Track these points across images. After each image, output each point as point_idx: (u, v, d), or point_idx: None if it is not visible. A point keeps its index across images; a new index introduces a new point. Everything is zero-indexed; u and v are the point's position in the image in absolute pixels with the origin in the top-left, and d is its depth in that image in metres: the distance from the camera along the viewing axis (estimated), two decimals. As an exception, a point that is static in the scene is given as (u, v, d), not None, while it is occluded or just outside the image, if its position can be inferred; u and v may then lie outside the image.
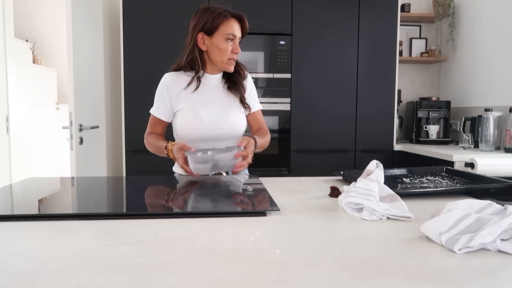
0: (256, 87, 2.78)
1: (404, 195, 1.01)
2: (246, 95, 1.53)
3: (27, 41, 3.83)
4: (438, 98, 3.25)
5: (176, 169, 1.53)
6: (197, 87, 1.42)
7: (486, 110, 2.53)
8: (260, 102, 2.60)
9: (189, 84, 1.41)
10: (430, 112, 3.05)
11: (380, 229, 0.81)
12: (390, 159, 2.91)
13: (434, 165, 1.94)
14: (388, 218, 0.88)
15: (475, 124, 2.70)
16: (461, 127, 2.79)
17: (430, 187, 1.23)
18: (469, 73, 3.06)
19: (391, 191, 0.98)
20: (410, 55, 3.35)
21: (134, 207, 1.05)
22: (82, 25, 2.49)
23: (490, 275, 0.58)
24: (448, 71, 3.33)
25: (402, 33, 3.28)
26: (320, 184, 1.31)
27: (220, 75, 1.49)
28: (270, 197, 1.05)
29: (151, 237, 0.74)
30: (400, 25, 2.97)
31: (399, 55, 2.98)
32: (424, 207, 0.99)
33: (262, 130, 1.56)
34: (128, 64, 2.71)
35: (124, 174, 2.75)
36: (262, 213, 0.91)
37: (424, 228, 0.73)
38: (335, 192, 1.11)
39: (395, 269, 0.59)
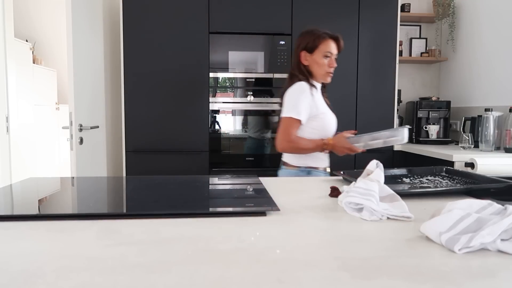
0: (256, 87, 2.81)
1: (404, 195, 1.01)
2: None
3: (27, 41, 3.82)
4: (438, 98, 3.25)
5: (317, 163, 1.72)
6: (317, 94, 1.70)
7: (486, 110, 2.53)
8: (260, 102, 2.67)
9: (314, 93, 1.68)
10: (430, 112, 3.05)
11: (380, 229, 0.81)
12: (390, 159, 2.91)
13: (434, 165, 1.94)
14: (388, 218, 0.88)
15: (475, 124, 2.70)
16: (461, 127, 2.79)
17: (430, 187, 1.23)
18: (469, 73, 3.06)
19: (391, 191, 0.98)
20: (410, 55, 3.35)
21: (134, 207, 1.05)
22: (82, 25, 2.49)
23: (490, 275, 0.58)
24: (448, 71, 3.33)
25: (402, 33, 3.28)
26: (320, 184, 1.31)
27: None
28: (270, 197, 1.06)
29: (151, 237, 0.74)
30: (400, 25, 2.97)
31: (399, 55, 2.98)
32: (424, 207, 0.99)
33: None
34: (128, 64, 2.71)
35: (124, 174, 2.75)
36: (262, 213, 0.91)
37: (424, 228, 0.73)
38: (335, 192, 1.11)
39: (395, 269, 0.59)
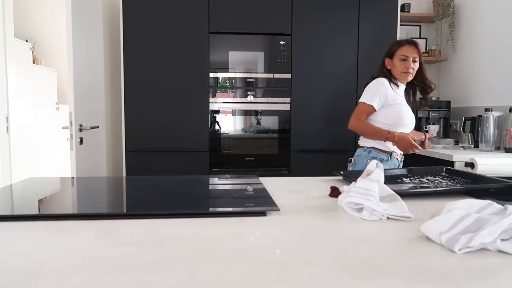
0: (256, 87, 2.81)
1: (404, 195, 1.01)
2: None
3: (27, 41, 3.82)
4: (438, 98, 3.25)
5: (381, 146, 1.93)
6: (398, 90, 1.94)
7: (486, 110, 2.53)
8: (260, 102, 2.70)
9: (394, 88, 1.93)
10: (430, 112, 3.05)
11: (380, 229, 0.81)
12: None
13: (434, 165, 1.94)
14: (388, 218, 0.88)
15: (475, 124, 2.70)
16: (461, 127, 2.79)
17: (430, 187, 1.23)
18: (469, 73, 3.06)
19: (391, 191, 0.98)
20: (410, 55, 3.34)
21: (134, 207, 1.05)
22: (82, 25, 2.49)
23: (490, 275, 0.58)
24: (448, 71, 3.33)
25: (402, 33, 3.27)
26: (320, 184, 1.31)
27: (404, 85, 2.00)
28: (270, 197, 1.06)
29: (151, 237, 0.74)
30: (400, 25, 2.97)
31: (399, 55, 2.98)
32: (424, 207, 0.99)
33: None
34: (128, 64, 2.71)
35: (124, 174, 2.75)
36: (262, 213, 0.91)
37: (424, 228, 0.73)
38: (335, 192, 1.11)
39: (395, 269, 0.59)
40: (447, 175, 1.43)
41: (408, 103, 1.98)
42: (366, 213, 0.88)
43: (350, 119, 1.95)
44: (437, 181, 1.32)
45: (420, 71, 1.95)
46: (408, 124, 1.94)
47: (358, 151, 1.99)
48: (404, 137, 1.80)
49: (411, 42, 1.93)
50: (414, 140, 1.80)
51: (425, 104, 2.05)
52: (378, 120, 1.91)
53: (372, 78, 1.98)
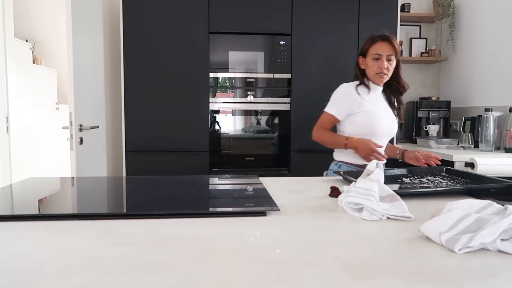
0: (256, 87, 2.81)
1: (404, 195, 1.01)
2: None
3: (27, 41, 3.82)
4: (438, 98, 3.25)
5: (351, 159, 1.76)
6: (369, 94, 1.74)
7: (486, 110, 2.53)
8: (260, 102, 2.66)
9: (363, 93, 1.73)
10: (430, 112, 3.05)
11: (380, 229, 0.81)
12: (390, 159, 2.90)
13: (434, 165, 1.94)
14: (388, 218, 0.88)
15: (475, 124, 2.70)
16: (461, 127, 2.79)
17: (430, 187, 1.23)
18: (469, 73, 3.06)
19: (391, 191, 0.99)
20: (410, 55, 3.35)
21: (134, 207, 1.05)
22: (82, 25, 2.49)
23: (490, 275, 0.58)
24: (448, 71, 3.33)
25: (402, 33, 3.28)
26: (320, 184, 1.31)
27: (381, 87, 1.79)
28: (270, 197, 1.06)
29: (151, 237, 0.74)
30: (400, 25, 2.97)
31: (399, 55, 2.98)
32: (424, 207, 0.99)
33: None
34: (128, 64, 2.71)
35: (124, 174, 2.75)
36: (262, 213, 0.91)
37: (424, 228, 0.73)
38: (335, 192, 1.11)
39: (395, 269, 0.59)
40: (447, 175, 1.43)
41: (390, 107, 1.81)
42: (366, 213, 0.88)
43: (312, 129, 1.80)
44: (437, 181, 1.32)
45: (395, 70, 1.74)
46: (382, 133, 1.74)
47: (331, 165, 1.85)
48: (364, 141, 1.62)
49: (385, 38, 1.71)
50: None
51: (398, 107, 1.84)
52: (346, 131, 1.75)
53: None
